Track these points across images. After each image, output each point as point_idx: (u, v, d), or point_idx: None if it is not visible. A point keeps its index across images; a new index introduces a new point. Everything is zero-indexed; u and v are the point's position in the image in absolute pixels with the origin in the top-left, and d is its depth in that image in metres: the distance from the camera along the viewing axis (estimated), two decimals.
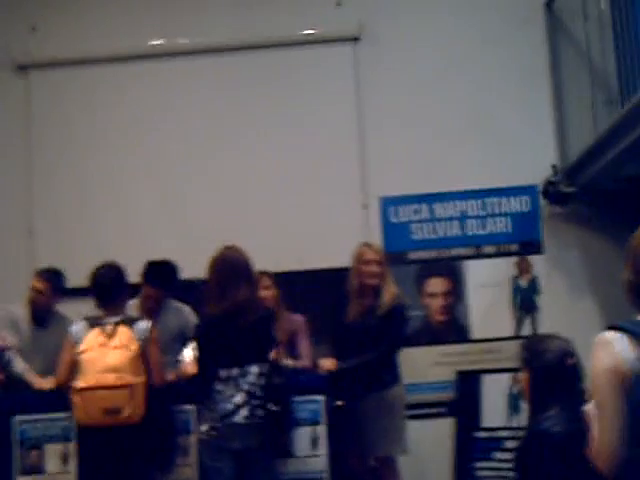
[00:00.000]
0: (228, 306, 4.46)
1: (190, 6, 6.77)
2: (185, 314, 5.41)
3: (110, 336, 4.57)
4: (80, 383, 4.47)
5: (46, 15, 6.84)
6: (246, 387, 4.38)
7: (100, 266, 4.84)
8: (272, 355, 4.77)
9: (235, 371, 4.41)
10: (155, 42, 6.77)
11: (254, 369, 4.41)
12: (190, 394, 4.73)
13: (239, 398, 4.37)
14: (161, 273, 5.39)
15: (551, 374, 3.35)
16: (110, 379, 4.46)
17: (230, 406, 4.37)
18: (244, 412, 4.36)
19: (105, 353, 4.52)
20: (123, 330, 4.59)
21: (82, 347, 4.56)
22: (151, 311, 5.27)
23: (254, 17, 6.65)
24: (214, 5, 6.76)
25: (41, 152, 6.69)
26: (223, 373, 4.42)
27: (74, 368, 4.58)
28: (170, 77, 6.73)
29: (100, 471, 4.51)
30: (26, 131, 6.71)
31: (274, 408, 4.38)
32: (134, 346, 4.56)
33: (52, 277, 5.50)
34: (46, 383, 4.95)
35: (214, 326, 4.50)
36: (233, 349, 4.44)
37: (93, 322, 4.65)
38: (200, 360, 4.55)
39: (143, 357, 4.58)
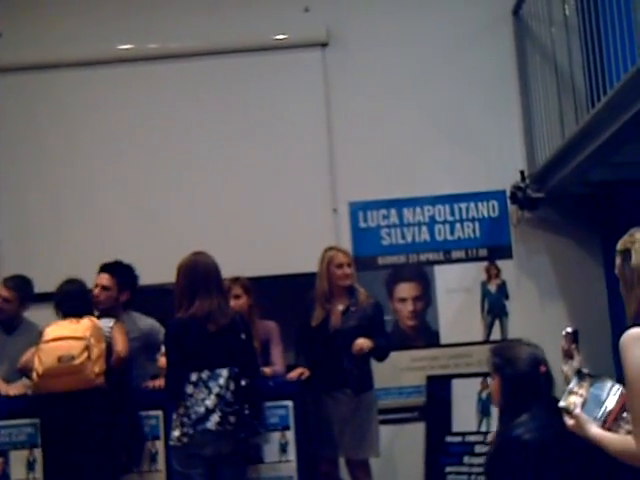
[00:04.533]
0: (197, 311, 4.45)
1: (159, 11, 6.72)
2: (150, 324, 5.38)
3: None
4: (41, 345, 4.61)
5: (13, 20, 6.76)
6: (216, 390, 4.36)
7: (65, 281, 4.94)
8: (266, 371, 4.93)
9: (205, 374, 4.39)
10: (124, 46, 6.72)
11: (224, 372, 4.39)
12: (158, 399, 4.72)
13: (210, 402, 4.35)
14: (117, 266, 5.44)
15: (523, 382, 3.35)
16: (67, 332, 4.64)
17: (201, 410, 4.34)
18: (215, 417, 4.33)
19: (64, 324, 4.73)
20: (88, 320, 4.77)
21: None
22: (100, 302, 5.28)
23: (223, 22, 6.62)
24: (183, 10, 6.71)
25: (8, 159, 6.62)
26: (193, 377, 4.40)
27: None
28: (139, 82, 6.67)
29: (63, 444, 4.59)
30: None
31: (246, 412, 4.36)
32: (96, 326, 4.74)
33: (19, 285, 5.46)
34: (12, 389, 4.91)
35: (183, 331, 4.47)
36: (203, 353, 4.42)
37: None
38: (169, 364, 4.52)
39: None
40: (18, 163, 6.62)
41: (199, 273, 4.54)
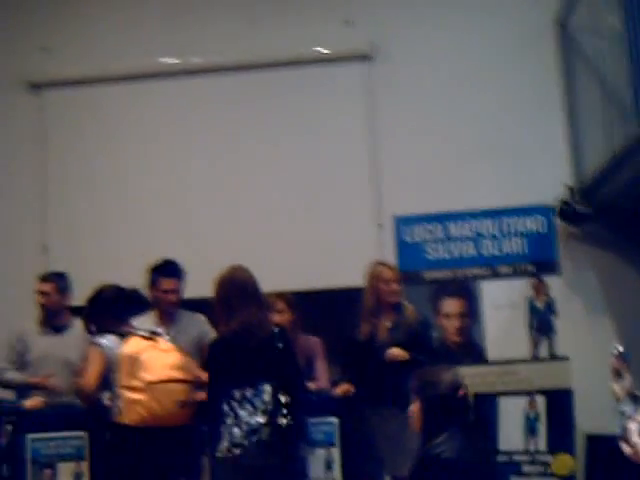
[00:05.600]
0: (237, 327, 4.43)
1: (202, 24, 6.77)
2: (201, 322, 5.36)
3: (154, 341, 4.61)
4: (148, 377, 4.45)
5: (59, 34, 6.88)
6: (262, 407, 4.33)
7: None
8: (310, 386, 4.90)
9: (249, 392, 4.37)
10: (167, 60, 6.78)
11: (267, 388, 4.36)
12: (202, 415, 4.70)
13: (258, 418, 4.32)
14: (177, 267, 5.38)
15: (442, 404, 3.52)
16: (180, 374, 4.51)
17: (250, 425, 4.30)
18: (266, 430, 4.30)
19: (161, 354, 4.56)
20: (160, 339, 4.66)
21: (130, 350, 4.54)
22: (173, 306, 5.26)
23: (266, 35, 6.65)
24: (226, 24, 6.76)
25: (55, 170, 6.72)
26: (237, 393, 4.38)
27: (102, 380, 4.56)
28: (181, 95, 6.74)
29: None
30: (40, 149, 6.75)
31: (287, 423, 4.31)
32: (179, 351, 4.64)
33: (55, 278, 5.54)
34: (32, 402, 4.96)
35: (225, 347, 4.46)
36: (245, 369, 4.40)
37: (123, 334, 4.63)
38: (211, 381, 4.51)
39: None
40: (66, 174, 6.72)
41: (236, 287, 4.53)
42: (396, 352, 5.05)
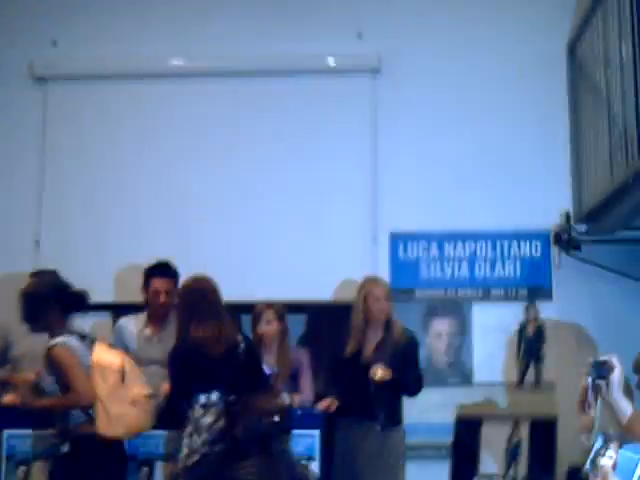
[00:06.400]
0: (198, 336, 4.45)
1: (212, 27, 6.77)
2: None
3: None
4: (137, 390, 4.49)
5: (67, 30, 6.86)
6: (219, 416, 4.33)
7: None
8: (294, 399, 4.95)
9: (208, 400, 4.37)
10: (174, 62, 6.77)
11: (226, 398, 4.37)
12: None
13: (219, 424, 4.32)
14: (170, 268, 5.38)
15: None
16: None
17: (210, 433, 4.31)
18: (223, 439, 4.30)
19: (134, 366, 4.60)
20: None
21: (108, 358, 4.52)
22: (164, 308, 5.24)
23: (274, 43, 6.61)
24: (236, 28, 6.74)
25: (53, 164, 6.69)
26: (202, 399, 4.38)
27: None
28: (186, 98, 6.71)
29: None
30: (40, 142, 6.71)
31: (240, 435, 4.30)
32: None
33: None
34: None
35: (186, 356, 4.49)
36: (205, 378, 4.41)
37: (83, 338, 4.58)
38: (174, 387, 4.52)
39: None
40: (62, 170, 6.68)
41: (197, 297, 4.57)
42: (379, 372, 5.01)
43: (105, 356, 4.51)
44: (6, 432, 4.76)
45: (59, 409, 4.46)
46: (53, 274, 5.01)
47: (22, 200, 6.65)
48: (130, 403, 4.43)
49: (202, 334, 4.44)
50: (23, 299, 4.54)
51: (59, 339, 4.41)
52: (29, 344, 5.30)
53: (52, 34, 6.82)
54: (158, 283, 5.32)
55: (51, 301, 4.51)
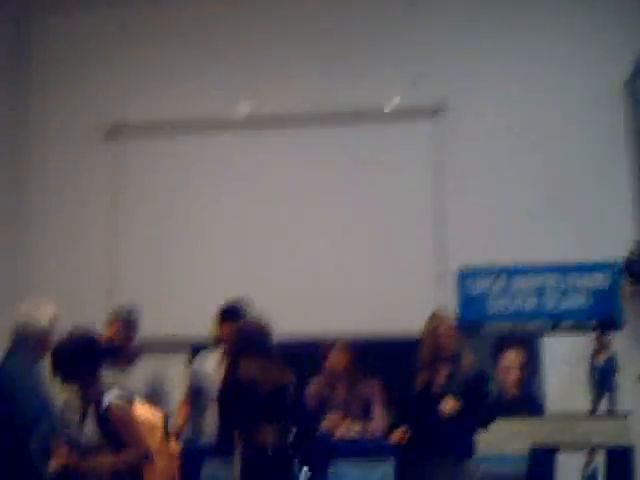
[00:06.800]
0: (241, 375, 4.54)
1: (278, 76, 7.01)
2: None
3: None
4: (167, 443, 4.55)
5: (138, 85, 7.15)
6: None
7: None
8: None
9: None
10: (240, 112, 6.98)
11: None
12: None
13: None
14: (236, 311, 5.45)
15: None
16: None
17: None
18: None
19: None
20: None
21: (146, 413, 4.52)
22: None
23: (335, 88, 6.84)
24: (301, 76, 6.98)
25: (126, 213, 6.96)
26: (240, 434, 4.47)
27: None
28: (253, 146, 6.95)
29: None
30: (112, 192, 6.99)
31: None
32: None
33: (124, 313, 5.63)
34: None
35: (233, 392, 4.59)
36: (249, 415, 4.48)
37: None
38: (220, 420, 4.64)
39: None
40: (134, 219, 6.97)
41: (243, 338, 4.67)
42: (448, 406, 5.04)
43: (149, 412, 4.53)
44: None
45: (118, 467, 4.23)
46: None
47: (95, 250, 6.93)
48: (170, 456, 4.51)
49: (249, 372, 4.53)
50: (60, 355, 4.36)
51: (112, 395, 4.27)
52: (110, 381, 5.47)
53: (123, 89, 7.12)
54: (225, 327, 5.40)
55: (87, 355, 4.36)
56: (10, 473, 4.52)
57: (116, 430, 4.20)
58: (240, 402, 4.54)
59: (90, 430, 4.22)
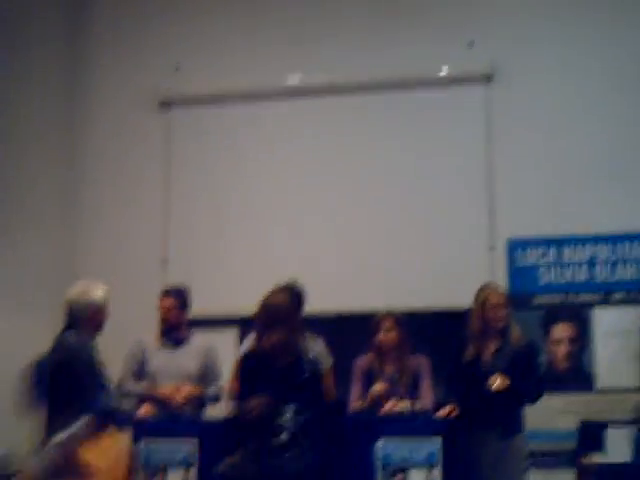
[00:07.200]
0: (266, 347, 4.56)
1: (327, 42, 6.94)
2: (318, 348, 5.39)
3: None
4: None
5: (189, 55, 7.16)
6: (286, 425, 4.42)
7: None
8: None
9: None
10: (290, 80, 6.97)
11: (290, 408, 4.43)
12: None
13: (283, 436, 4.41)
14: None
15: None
16: None
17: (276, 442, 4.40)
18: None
19: None
20: None
21: None
22: None
23: (387, 56, 6.76)
24: (351, 42, 6.89)
25: (178, 183, 7.01)
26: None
27: None
28: (303, 114, 6.93)
29: None
30: (166, 165, 7.04)
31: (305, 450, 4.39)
32: None
33: (176, 293, 5.68)
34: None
35: (254, 364, 4.63)
36: (268, 388, 4.48)
37: None
38: (238, 393, 4.65)
39: None
40: (188, 190, 6.99)
41: (266, 309, 4.63)
42: (497, 381, 5.03)
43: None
44: (142, 442, 4.95)
45: None
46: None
47: (150, 219, 6.98)
48: None
49: (270, 344, 4.55)
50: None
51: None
52: (163, 360, 5.59)
53: (175, 60, 7.14)
54: None
55: None
56: None
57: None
58: (252, 376, 4.60)
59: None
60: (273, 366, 4.54)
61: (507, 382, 5.00)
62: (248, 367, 4.69)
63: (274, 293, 4.73)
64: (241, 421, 4.50)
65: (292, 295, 4.71)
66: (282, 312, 4.65)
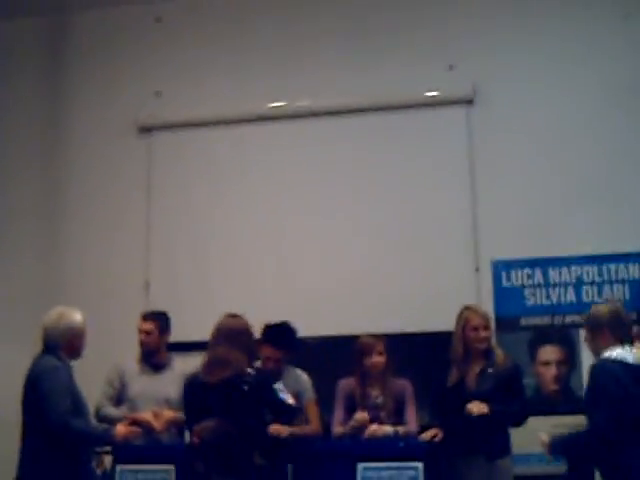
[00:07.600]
0: (204, 363, 4.55)
1: (310, 68, 6.93)
2: (302, 382, 5.38)
3: None
4: None
5: (170, 80, 7.14)
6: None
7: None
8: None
9: None
10: (274, 104, 6.93)
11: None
12: None
13: None
14: (283, 334, 5.36)
15: None
16: None
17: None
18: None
19: None
20: None
21: None
22: (273, 371, 5.26)
23: (368, 79, 6.73)
24: (333, 67, 6.88)
25: (160, 209, 6.96)
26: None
27: None
28: (287, 139, 6.88)
29: None
30: (147, 189, 7.00)
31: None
32: None
33: (157, 317, 5.63)
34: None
35: (191, 384, 4.62)
36: (201, 406, 4.46)
37: None
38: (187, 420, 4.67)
39: None
40: (169, 215, 6.93)
41: (220, 332, 4.65)
42: (475, 409, 4.94)
43: None
44: (119, 467, 4.90)
45: None
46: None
47: (131, 244, 6.91)
48: None
49: (207, 359, 4.56)
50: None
51: None
52: (143, 385, 5.50)
53: (155, 85, 7.13)
54: (266, 350, 5.31)
55: None
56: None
57: None
58: (189, 396, 4.60)
59: None
60: (208, 382, 4.48)
61: (485, 409, 4.91)
62: (189, 392, 4.65)
63: (226, 319, 4.72)
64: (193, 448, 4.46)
65: (243, 319, 4.72)
66: (234, 333, 4.61)
